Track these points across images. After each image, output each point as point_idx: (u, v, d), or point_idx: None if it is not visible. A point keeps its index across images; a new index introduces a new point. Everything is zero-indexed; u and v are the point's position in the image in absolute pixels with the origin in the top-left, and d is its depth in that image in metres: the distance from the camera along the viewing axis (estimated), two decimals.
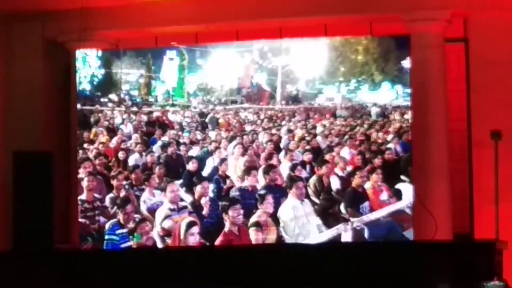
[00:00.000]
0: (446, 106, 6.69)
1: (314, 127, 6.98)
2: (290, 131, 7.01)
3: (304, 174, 6.68)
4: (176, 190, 6.50)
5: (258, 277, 5.40)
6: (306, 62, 7.08)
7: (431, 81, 6.62)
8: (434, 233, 6.04)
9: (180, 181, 6.69)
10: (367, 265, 5.33)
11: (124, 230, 6.47)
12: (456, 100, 6.85)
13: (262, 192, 6.48)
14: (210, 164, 6.87)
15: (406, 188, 6.45)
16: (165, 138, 7.09)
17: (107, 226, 6.51)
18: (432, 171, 6.51)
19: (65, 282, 5.66)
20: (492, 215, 5.89)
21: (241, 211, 6.19)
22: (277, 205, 6.41)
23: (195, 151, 6.98)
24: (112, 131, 7.20)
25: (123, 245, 6.40)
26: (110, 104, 7.27)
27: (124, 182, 6.78)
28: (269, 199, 6.34)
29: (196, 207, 6.46)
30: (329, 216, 6.38)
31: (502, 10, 6.44)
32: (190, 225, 6.19)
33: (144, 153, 7.02)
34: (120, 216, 6.46)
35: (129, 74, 7.47)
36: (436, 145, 6.56)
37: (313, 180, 6.63)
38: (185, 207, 6.43)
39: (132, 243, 6.38)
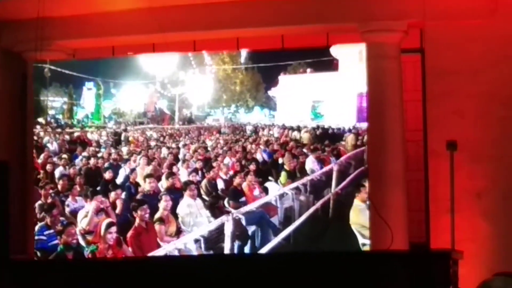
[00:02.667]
0: (402, 116, 5.86)
1: (204, 142, 7.28)
2: (185, 145, 7.24)
3: (197, 178, 6.82)
4: (100, 201, 6.44)
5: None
6: (197, 91, 7.37)
7: (387, 91, 5.82)
8: (390, 243, 5.35)
9: (98, 188, 6.74)
10: (323, 275, 4.65)
11: (51, 231, 6.35)
12: (412, 110, 6.03)
13: (162, 193, 6.53)
14: (122, 173, 6.92)
15: (272, 186, 6.73)
16: (85, 154, 7.14)
17: (36, 228, 6.33)
18: (388, 181, 5.75)
19: None
20: (448, 225, 5.23)
21: (148, 210, 6.19)
22: (176, 203, 6.49)
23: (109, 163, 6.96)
24: (40, 148, 7.06)
25: (50, 244, 6.28)
26: (38, 126, 7.08)
27: (51, 191, 6.65)
28: (168, 199, 6.37)
29: (112, 209, 6.46)
30: (215, 210, 6.56)
31: (457, 20, 5.67)
32: (109, 225, 6.13)
33: (67, 166, 6.98)
34: (48, 219, 6.34)
35: (54, 101, 7.46)
36: (392, 155, 5.79)
37: (204, 182, 6.83)
38: (102, 210, 6.41)
39: (57, 241, 6.23)
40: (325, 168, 6.88)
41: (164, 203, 6.42)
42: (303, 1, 5.84)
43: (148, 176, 6.79)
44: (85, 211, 6.39)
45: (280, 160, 7.00)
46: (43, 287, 4.97)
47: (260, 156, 6.99)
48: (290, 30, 6.09)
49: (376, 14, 5.75)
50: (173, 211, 6.48)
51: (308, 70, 7.21)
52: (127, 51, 6.59)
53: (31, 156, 6.57)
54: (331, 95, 7.18)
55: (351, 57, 6.82)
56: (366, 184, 6.31)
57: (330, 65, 6.97)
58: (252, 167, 6.95)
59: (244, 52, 7.33)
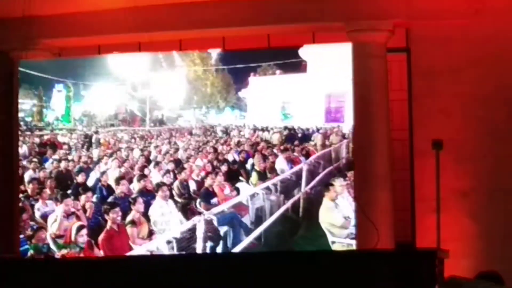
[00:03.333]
0: (388, 116, 5.88)
1: (176, 143, 7.25)
2: (157, 147, 7.23)
3: (169, 180, 6.82)
4: (70, 204, 6.42)
5: None
6: (168, 93, 7.33)
7: (373, 90, 5.84)
8: (376, 242, 5.34)
9: (69, 191, 6.70)
10: (308, 274, 4.38)
11: (21, 236, 6.34)
12: (398, 109, 6.07)
13: (134, 196, 6.55)
14: (93, 176, 6.88)
15: (243, 186, 6.80)
16: (56, 157, 7.06)
17: None
18: (374, 181, 5.78)
19: None
20: (434, 224, 5.23)
21: (120, 213, 6.20)
22: (148, 205, 6.48)
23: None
24: None
25: (21, 249, 6.27)
26: None
27: (21, 195, 6.63)
28: (140, 201, 6.40)
29: (82, 212, 6.43)
30: (187, 211, 6.59)
31: (443, 20, 5.68)
32: (79, 228, 6.13)
33: (37, 170, 6.90)
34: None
35: (24, 103, 7.34)
36: (378, 154, 5.81)
37: (176, 184, 6.82)
38: (73, 213, 6.39)
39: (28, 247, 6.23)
40: (295, 168, 6.96)
41: (136, 206, 6.45)
42: (289, 0, 5.85)
43: (120, 178, 6.79)
44: (56, 215, 6.35)
45: (251, 161, 7.07)
46: (30, 286, 4.74)
47: (232, 157, 7.07)
48: (276, 29, 6.11)
49: (362, 13, 5.76)
50: (145, 213, 6.49)
51: (278, 71, 7.28)
52: (113, 50, 6.57)
53: (17, 156, 6.54)
54: (300, 96, 7.28)
55: (320, 58, 6.93)
56: (335, 183, 6.49)
57: (299, 67, 7.05)
58: (224, 168, 7.01)
59: (214, 54, 7.36)
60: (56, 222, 6.27)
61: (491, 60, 5.67)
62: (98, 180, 6.91)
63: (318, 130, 7.06)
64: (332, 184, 6.45)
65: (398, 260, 4.52)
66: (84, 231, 6.12)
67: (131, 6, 5.88)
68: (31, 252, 6.12)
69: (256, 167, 6.97)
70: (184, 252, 6.10)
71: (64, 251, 6.03)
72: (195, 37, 6.40)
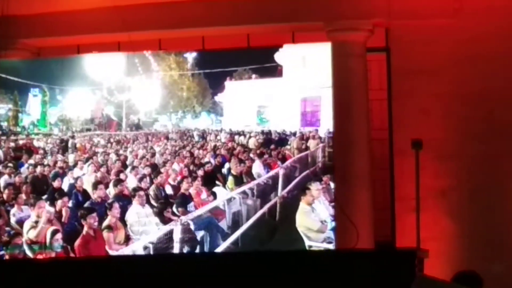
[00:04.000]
0: (368, 115, 5.87)
1: (152, 148, 7.29)
2: (133, 151, 7.24)
3: (146, 184, 6.80)
4: (43, 206, 6.32)
5: None
6: (144, 97, 7.37)
7: (353, 90, 5.83)
8: (355, 242, 5.37)
9: (45, 196, 6.63)
10: (288, 274, 4.51)
11: None
12: (378, 109, 6.06)
13: (111, 201, 6.49)
14: (66, 181, 6.84)
15: (220, 190, 6.82)
16: (31, 162, 7.03)
17: None
18: (354, 180, 5.76)
19: None
20: (413, 224, 5.21)
21: (97, 218, 6.14)
22: (124, 210, 6.46)
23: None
24: None
25: None
26: None
27: None
28: (116, 206, 6.35)
29: (58, 217, 6.37)
30: (164, 216, 6.54)
31: (423, 20, 5.69)
32: (54, 232, 6.10)
33: (13, 175, 6.87)
34: None
35: None
36: (358, 154, 5.80)
37: (152, 189, 6.81)
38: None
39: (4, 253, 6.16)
40: (271, 172, 7.01)
41: (112, 211, 6.40)
42: (269, 0, 5.87)
43: (97, 183, 6.76)
44: (32, 220, 6.29)
45: (227, 165, 7.12)
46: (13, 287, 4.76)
47: (208, 160, 7.11)
48: (255, 29, 6.09)
49: (342, 13, 5.76)
50: (121, 218, 6.46)
51: (254, 76, 7.34)
52: (92, 49, 6.51)
53: None
54: (275, 101, 7.35)
55: (295, 63, 7.06)
56: (311, 187, 6.52)
57: (275, 71, 7.11)
58: (200, 172, 7.03)
59: (190, 58, 7.38)
60: (35, 230, 6.21)
61: (471, 60, 5.72)
62: (73, 185, 6.88)
63: (294, 134, 7.14)
64: (308, 188, 6.46)
65: (378, 259, 4.56)
66: (59, 235, 6.09)
67: (111, 6, 5.82)
68: (6, 258, 6.07)
69: (232, 171, 7.01)
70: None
71: (39, 256, 6.00)
72: (174, 36, 6.37)
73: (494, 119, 5.67)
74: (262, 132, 7.29)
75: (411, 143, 5.31)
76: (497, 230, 5.66)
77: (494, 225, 5.64)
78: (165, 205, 6.73)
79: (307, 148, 6.94)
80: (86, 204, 6.56)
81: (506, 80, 5.67)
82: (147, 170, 7.12)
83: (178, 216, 6.60)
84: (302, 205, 6.47)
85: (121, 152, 7.36)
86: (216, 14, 5.94)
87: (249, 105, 7.44)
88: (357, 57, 5.84)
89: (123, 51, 6.43)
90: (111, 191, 6.86)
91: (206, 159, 7.12)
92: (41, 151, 7.28)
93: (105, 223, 6.35)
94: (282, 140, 7.20)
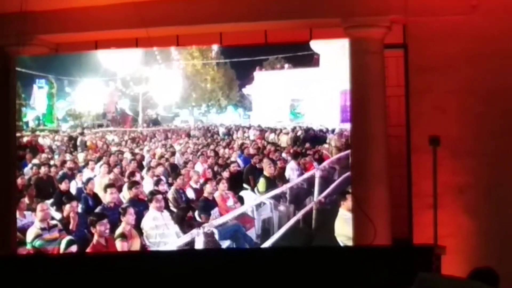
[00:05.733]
0: (385, 112, 6.03)
1: (172, 146, 7.03)
2: (150, 150, 6.99)
3: (164, 187, 6.55)
4: (46, 208, 6.12)
5: None
6: (163, 89, 7.10)
7: (370, 86, 5.96)
8: (373, 238, 5.45)
9: (51, 200, 6.43)
10: (306, 270, 4.70)
11: None
12: (395, 105, 6.18)
13: (125, 206, 6.24)
14: (74, 185, 6.61)
15: (248, 195, 6.57)
16: (36, 161, 6.80)
17: None
18: (371, 177, 5.89)
19: None
20: (431, 220, 5.43)
21: (108, 225, 5.88)
22: (140, 217, 6.21)
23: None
24: None
25: None
26: None
27: None
28: (131, 211, 6.07)
29: (65, 224, 6.14)
30: (185, 223, 6.30)
31: (440, 16, 5.84)
32: (69, 243, 5.90)
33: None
34: None
35: None
36: (375, 150, 5.93)
37: (171, 192, 6.58)
38: (55, 226, 6.09)
39: None
40: (307, 174, 6.74)
41: (126, 217, 6.11)
42: None
43: (109, 186, 6.51)
44: (37, 227, 6.04)
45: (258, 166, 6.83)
46: (24, 282, 4.92)
47: (236, 160, 6.84)
48: (273, 25, 6.29)
49: (359, 9, 6.00)
50: (136, 225, 6.23)
51: (286, 65, 7.14)
52: (110, 45, 6.70)
53: (14, 153, 6.53)
54: (311, 93, 7.12)
55: (334, 51, 6.89)
56: None
57: (311, 60, 7.01)
58: (226, 174, 6.74)
59: (215, 46, 7.15)
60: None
61: (489, 57, 5.88)
62: (83, 188, 6.63)
63: (332, 131, 6.92)
64: (349, 192, 6.27)
65: (395, 256, 4.80)
66: (74, 247, 5.89)
67: (129, 2, 5.93)
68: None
69: (265, 173, 6.70)
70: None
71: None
72: (192, 33, 6.51)
73: (511, 116, 5.83)
74: (296, 128, 7.05)
75: (428, 140, 5.57)
76: None
77: (511, 222, 5.83)
78: (186, 211, 6.53)
79: (347, 146, 6.60)
80: (97, 210, 6.32)
81: None
82: (165, 172, 6.85)
83: (201, 224, 6.31)
84: (342, 211, 6.32)
85: (137, 151, 7.12)
86: (234, 10, 6.14)
87: (282, 98, 7.21)
88: (375, 54, 6.05)
89: (140, 47, 6.67)
90: (125, 195, 6.61)
91: (232, 159, 6.89)
92: (47, 150, 7.06)
93: (118, 231, 6.11)
94: (319, 137, 6.96)
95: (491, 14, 5.82)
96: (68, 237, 5.96)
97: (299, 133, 6.98)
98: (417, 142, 5.88)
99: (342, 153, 6.70)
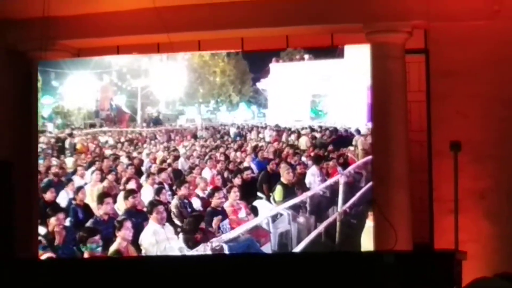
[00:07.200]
0: (407, 117, 6.45)
1: (176, 149, 6.73)
2: (151, 153, 6.70)
3: (166, 197, 6.27)
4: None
5: None
6: (166, 83, 6.84)
7: (392, 91, 6.36)
8: (394, 243, 5.62)
9: None
10: (327, 275, 4.80)
11: None
12: (417, 111, 6.65)
13: (121, 218, 5.98)
14: (65, 195, 6.35)
15: (262, 205, 6.30)
16: None
17: None
18: (392, 181, 6.25)
19: None
20: (452, 226, 5.79)
21: (100, 241, 5.62)
22: (138, 231, 5.91)
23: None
24: None
25: None
26: None
27: None
28: (127, 225, 5.79)
29: (50, 240, 5.92)
30: (190, 238, 5.96)
31: (462, 21, 6.22)
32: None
33: None
34: None
35: None
36: (397, 155, 6.29)
37: (175, 202, 6.29)
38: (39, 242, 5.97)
39: None
40: (330, 181, 6.53)
41: (122, 231, 5.86)
42: (307, 2, 6.43)
43: (102, 195, 6.31)
44: None
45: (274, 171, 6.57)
46: (46, 286, 5.05)
47: (250, 166, 6.58)
48: (294, 30, 6.68)
49: (380, 14, 6.35)
50: (134, 241, 6.00)
51: (307, 56, 6.88)
52: (131, 51, 7.07)
53: (36, 156, 6.77)
54: (335, 88, 6.89)
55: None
56: None
57: (334, 51, 6.87)
58: (237, 181, 6.48)
59: None
60: None
61: (509, 62, 6.22)
62: (72, 198, 6.37)
63: (359, 131, 6.61)
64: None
65: (416, 261, 4.94)
66: None
67: (150, 7, 6.28)
68: None
69: (282, 179, 6.46)
70: None
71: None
72: (213, 38, 6.95)
73: None
74: (318, 128, 6.74)
75: (449, 145, 5.90)
76: None
77: None
78: (192, 224, 6.21)
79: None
80: (88, 224, 6.05)
81: None
82: (168, 178, 6.56)
83: (209, 238, 6.06)
84: (370, 223, 6.29)
85: (134, 154, 6.81)
86: (255, 15, 6.54)
87: (301, 94, 6.91)
88: (396, 59, 6.44)
89: (162, 52, 7.06)
90: (121, 205, 6.37)
91: (245, 164, 6.56)
92: None
93: (113, 247, 5.84)
94: (344, 139, 6.67)
95: None
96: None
97: (321, 133, 6.67)
98: (439, 147, 6.25)
99: (369, 157, 6.38)
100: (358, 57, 6.65)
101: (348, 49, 6.64)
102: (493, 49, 6.21)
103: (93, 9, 6.67)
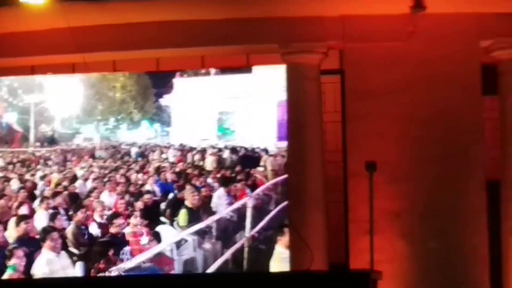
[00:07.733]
0: (322, 137, 6.52)
1: (72, 171, 6.46)
2: (45, 176, 6.42)
3: (62, 223, 5.99)
4: None
5: None
6: (61, 99, 6.63)
7: (307, 112, 6.40)
8: (310, 264, 5.66)
9: None
10: None
11: None
12: (332, 131, 6.69)
13: (11, 247, 5.68)
14: None
15: (166, 230, 6.13)
16: None
17: None
18: (308, 202, 6.28)
19: None
20: (367, 246, 5.90)
21: None
22: (31, 260, 5.61)
23: None
24: None
25: None
26: None
27: None
28: (19, 254, 5.55)
29: None
30: (88, 267, 5.75)
31: (377, 42, 6.30)
32: None
33: None
34: None
35: None
36: (312, 176, 6.32)
37: (71, 229, 6.00)
38: None
39: None
40: (237, 204, 6.47)
41: (13, 261, 5.70)
42: (223, 22, 6.48)
43: None
44: None
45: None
46: None
47: (151, 188, 6.44)
48: (210, 50, 6.75)
49: (296, 35, 6.44)
50: (26, 271, 5.74)
51: (213, 71, 6.85)
52: (46, 71, 7.03)
53: None
54: (243, 105, 6.88)
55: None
56: None
57: (249, 69, 6.98)
58: (139, 204, 6.24)
59: None
60: None
61: (425, 82, 6.41)
62: None
63: (266, 151, 6.63)
64: (287, 226, 6.23)
65: (332, 281, 4.97)
66: None
67: (65, 27, 6.19)
68: None
69: (187, 203, 6.30)
70: None
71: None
72: (129, 58, 6.92)
73: (448, 141, 6.38)
74: (225, 148, 6.69)
75: (365, 166, 6.01)
76: (450, 252, 6.23)
77: (447, 247, 6.25)
78: (89, 252, 6.01)
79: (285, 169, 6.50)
80: None
81: (460, 101, 6.37)
82: (64, 203, 6.27)
83: (108, 267, 5.81)
84: (279, 249, 6.28)
85: (27, 176, 6.54)
86: (171, 35, 6.54)
87: (207, 111, 6.84)
88: (312, 80, 6.54)
89: (77, 72, 7.01)
90: (12, 232, 6.14)
91: (147, 186, 6.40)
92: None
93: (4, 277, 5.68)
94: (252, 159, 6.66)
95: (427, 40, 6.26)
96: None
97: (228, 153, 6.65)
98: (354, 168, 6.31)
99: (279, 178, 6.44)
100: (267, 72, 6.68)
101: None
102: (408, 69, 6.35)
103: (7, 29, 6.52)
